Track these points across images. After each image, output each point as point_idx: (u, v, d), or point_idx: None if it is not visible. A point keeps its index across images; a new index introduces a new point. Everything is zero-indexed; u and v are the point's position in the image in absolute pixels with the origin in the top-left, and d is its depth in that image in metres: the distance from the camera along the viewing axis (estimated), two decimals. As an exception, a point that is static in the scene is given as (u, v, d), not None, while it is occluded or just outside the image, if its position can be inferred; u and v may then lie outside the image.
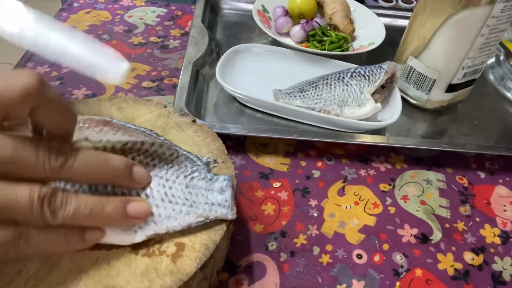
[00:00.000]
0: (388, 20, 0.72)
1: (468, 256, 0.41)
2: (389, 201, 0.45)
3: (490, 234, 0.43)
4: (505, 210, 0.46)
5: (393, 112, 0.51)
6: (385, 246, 0.41)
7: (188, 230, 0.30)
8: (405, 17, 0.73)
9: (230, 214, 0.30)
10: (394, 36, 0.62)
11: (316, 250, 0.40)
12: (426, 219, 0.44)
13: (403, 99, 0.54)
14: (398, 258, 0.40)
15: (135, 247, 0.29)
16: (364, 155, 0.50)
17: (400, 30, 0.59)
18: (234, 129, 0.46)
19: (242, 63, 0.57)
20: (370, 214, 0.44)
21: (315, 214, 0.43)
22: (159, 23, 0.68)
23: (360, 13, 0.68)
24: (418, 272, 0.39)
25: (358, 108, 0.50)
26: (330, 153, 0.50)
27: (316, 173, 0.47)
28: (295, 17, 0.66)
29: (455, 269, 0.40)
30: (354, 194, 0.45)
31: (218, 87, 0.55)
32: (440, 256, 0.41)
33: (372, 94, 0.51)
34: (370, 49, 0.60)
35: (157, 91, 0.55)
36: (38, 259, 0.27)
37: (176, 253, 0.29)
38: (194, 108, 0.50)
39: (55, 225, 0.24)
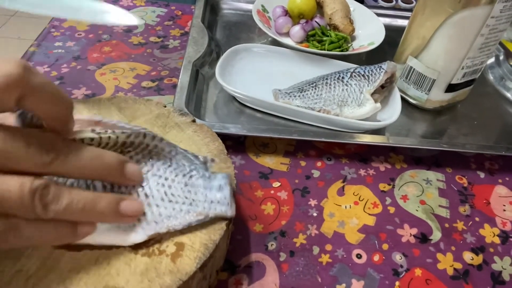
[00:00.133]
0: (387, 20, 0.72)
1: (468, 256, 0.41)
2: (388, 201, 0.45)
3: (489, 234, 0.43)
4: (504, 210, 0.46)
5: (392, 112, 0.51)
6: (385, 246, 0.41)
7: (188, 230, 0.30)
8: (405, 17, 0.74)
9: (229, 212, 0.30)
10: (394, 36, 0.62)
11: (316, 249, 0.40)
12: (425, 219, 0.44)
13: (402, 99, 0.54)
14: (398, 258, 0.40)
15: (135, 247, 0.29)
16: (363, 155, 0.50)
17: (400, 30, 0.59)
18: (234, 129, 0.46)
19: (242, 63, 0.57)
20: (369, 214, 0.44)
21: (315, 214, 0.43)
22: (159, 23, 0.68)
23: (360, 13, 0.68)
24: (418, 271, 0.39)
25: (357, 108, 0.50)
26: (330, 153, 0.50)
27: (316, 173, 0.47)
28: (295, 17, 0.66)
29: (454, 268, 0.40)
30: (353, 194, 0.45)
31: (218, 87, 0.55)
32: (439, 256, 0.41)
33: (372, 94, 0.51)
34: (370, 49, 0.60)
35: (157, 91, 0.55)
36: (37, 258, 0.28)
37: (175, 253, 0.29)
38: (194, 108, 0.50)
39: (46, 218, 0.23)
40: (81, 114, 0.37)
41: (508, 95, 0.62)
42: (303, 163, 0.48)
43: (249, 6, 0.68)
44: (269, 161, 0.48)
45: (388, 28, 0.65)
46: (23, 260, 0.27)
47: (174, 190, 0.30)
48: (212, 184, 0.31)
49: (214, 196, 0.30)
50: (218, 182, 0.31)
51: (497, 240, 0.43)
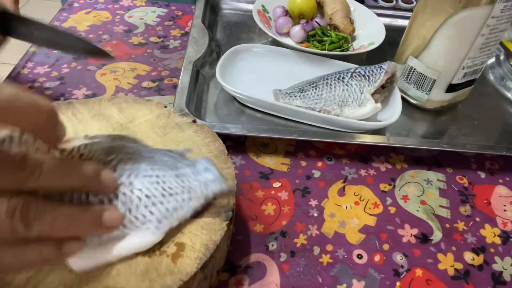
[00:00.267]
0: (388, 20, 0.72)
1: (468, 256, 0.41)
2: (389, 201, 0.45)
3: (490, 234, 0.43)
4: (505, 210, 0.46)
5: (393, 112, 0.51)
6: (385, 246, 0.41)
7: (189, 230, 0.30)
8: (405, 17, 0.73)
9: (225, 186, 0.32)
10: (394, 36, 0.62)
11: (317, 250, 0.40)
12: (426, 219, 0.44)
13: (403, 99, 0.54)
14: (399, 258, 0.40)
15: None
16: (364, 155, 0.50)
17: (400, 30, 0.59)
18: (234, 129, 0.46)
19: (242, 63, 0.57)
20: (370, 214, 0.44)
21: (315, 214, 0.43)
22: (159, 23, 0.68)
23: (360, 13, 0.68)
24: (418, 272, 0.39)
25: (358, 108, 0.50)
26: (330, 153, 0.50)
27: (316, 173, 0.47)
28: (295, 17, 0.66)
29: (455, 269, 0.40)
30: (354, 194, 0.45)
31: (218, 87, 0.55)
32: (440, 256, 0.41)
33: (372, 94, 0.51)
34: (370, 49, 0.60)
35: (157, 91, 0.55)
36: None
37: (176, 253, 0.29)
38: (194, 108, 0.50)
39: (30, 237, 0.22)
40: (82, 114, 0.38)
41: (509, 95, 0.62)
42: (303, 163, 0.48)
43: (250, 6, 0.68)
44: (269, 161, 0.48)
45: (388, 28, 0.65)
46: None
47: (169, 184, 0.30)
48: (198, 168, 0.32)
49: (205, 178, 0.32)
50: (203, 165, 0.32)
51: (497, 240, 0.43)
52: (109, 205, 0.28)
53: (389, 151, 0.51)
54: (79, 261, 0.26)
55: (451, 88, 0.53)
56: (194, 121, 0.39)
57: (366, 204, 0.45)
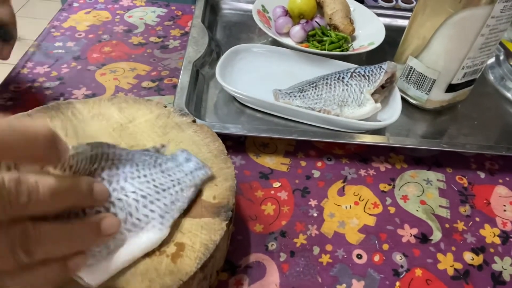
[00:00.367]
0: (388, 20, 0.72)
1: (468, 256, 0.41)
2: (389, 201, 0.45)
3: (490, 234, 0.43)
4: (505, 210, 0.46)
5: (393, 112, 0.51)
6: (385, 246, 0.41)
7: (189, 230, 0.30)
8: (405, 17, 0.73)
9: (208, 170, 0.34)
10: (394, 36, 0.62)
11: (316, 250, 0.40)
12: (426, 219, 0.44)
13: (403, 99, 0.54)
14: (398, 258, 0.40)
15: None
16: (364, 155, 0.50)
17: (400, 30, 0.59)
18: (234, 129, 0.46)
19: (242, 63, 0.57)
20: (370, 214, 0.44)
21: (315, 214, 0.43)
22: (159, 23, 0.68)
23: (360, 13, 0.68)
24: (418, 272, 0.39)
25: (358, 108, 0.50)
26: (330, 153, 0.50)
27: (316, 173, 0.47)
28: (295, 17, 0.66)
29: (455, 269, 0.40)
30: (354, 194, 0.45)
31: (218, 87, 0.55)
32: (440, 256, 0.41)
33: (372, 94, 0.51)
34: (370, 49, 0.60)
35: (157, 91, 0.55)
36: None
37: (176, 253, 0.29)
38: (194, 108, 0.50)
39: (35, 262, 0.22)
40: (82, 114, 0.38)
41: (508, 95, 0.62)
42: (303, 163, 0.48)
43: (249, 6, 0.68)
44: (269, 161, 0.48)
45: (388, 28, 0.65)
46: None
47: (159, 180, 0.31)
48: (180, 160, 0.34)
49: (189, 167, 0.33)
50: (183, 157, 0.34)
51: (497, 240, 0.43)
52: (105, 213, 0.28)
53: (389, 151, 0.51)
54: (94, 276, 0.26)
55: (451, 88, 0.53)
56: (194, 121, 0.39)
57: (365, 204, 0.45)
